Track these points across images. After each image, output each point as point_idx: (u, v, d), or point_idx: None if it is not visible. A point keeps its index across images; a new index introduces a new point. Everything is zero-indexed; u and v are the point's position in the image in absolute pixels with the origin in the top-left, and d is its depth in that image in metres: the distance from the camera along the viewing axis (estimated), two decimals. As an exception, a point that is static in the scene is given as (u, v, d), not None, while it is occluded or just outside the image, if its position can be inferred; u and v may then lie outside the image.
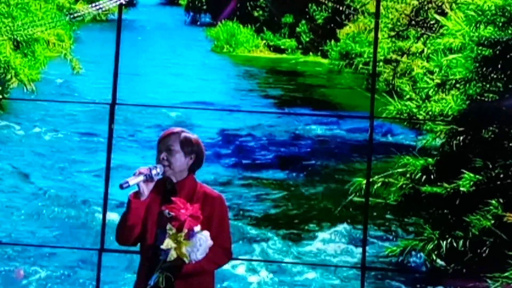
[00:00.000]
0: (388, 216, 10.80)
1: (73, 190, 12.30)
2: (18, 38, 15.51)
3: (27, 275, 8.91)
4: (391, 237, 10.39)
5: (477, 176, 8.41)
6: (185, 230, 4.01)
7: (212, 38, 30.72)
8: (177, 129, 4.34)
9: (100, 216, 10.43)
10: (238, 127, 16.94)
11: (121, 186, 4.12)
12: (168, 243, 4.02)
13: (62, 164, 13.88)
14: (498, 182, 8.36)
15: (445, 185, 8.60)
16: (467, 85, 8.98)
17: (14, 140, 15.15)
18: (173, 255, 4.02)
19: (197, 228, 4.04)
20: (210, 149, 14.24)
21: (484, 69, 8.82)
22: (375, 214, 10.55)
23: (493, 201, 8.22)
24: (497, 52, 8.75)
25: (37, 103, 17.14)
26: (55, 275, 9.07)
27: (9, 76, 15.13)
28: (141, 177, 4.16)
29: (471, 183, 8.38)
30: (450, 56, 9.38)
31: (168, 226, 4.02)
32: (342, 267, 9.69)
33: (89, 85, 19.67)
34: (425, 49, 15.44)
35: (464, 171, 8.50)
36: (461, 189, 8.40)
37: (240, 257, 9.21)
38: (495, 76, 8.82)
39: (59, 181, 12.94)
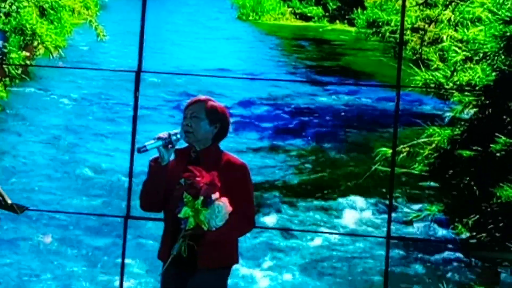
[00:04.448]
0: (413, 186, 10.75)
1: (98, 157, 12.37)
2: (44, 5, 15.52)
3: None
4: (416, 208, 10.35)
5: (510, 140, 8.34)
6: (201, 198, 4.01)
7: (238, 6, 30.57)
8: (204, 97, 4.34)
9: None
10: (262, 95, 16.89)
11: (138, 150, 4.13)
12: (185, 211, 4.02)
13: (86, 130, 13.94)
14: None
15: (477, 147, 8.56)
16: (495, 58, 8.89)
17: (40, 107, 15.22)
18: (191, 223, 4.03)
19: (215, 195, 4.04)
20: (234, 117, 14.23)
21: (509, 47, 8.73)
22: (400, 183, 10.51)
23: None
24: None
25: (62, 70, 17.19)
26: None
27: (35, 43, 15.17)
28: (160, 142, 4.15)
29: (504, 146, 8.32)
30: (476, 29, 9.29)
31: (184, 194, 4.03)
32: (367, 236, 9.68)
33: (114, 53, 19.67)
34: (453, 17, 15.26)
35: (499, 135, 8.43)
36: (492, 149, 8.32)
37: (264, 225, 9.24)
38: None
39: (85, 148, 13.01)
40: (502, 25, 8.78)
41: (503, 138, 8.37)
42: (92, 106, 15.65)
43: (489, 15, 9.06)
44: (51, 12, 15.65)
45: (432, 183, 9.54)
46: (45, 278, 8.19)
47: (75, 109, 15.40)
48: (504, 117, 8.68)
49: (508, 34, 8.71)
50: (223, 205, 4.05)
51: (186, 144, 4.29)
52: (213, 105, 4.29)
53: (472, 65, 9.35)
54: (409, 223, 9.36)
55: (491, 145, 8.38)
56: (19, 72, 15.02)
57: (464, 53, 9.29)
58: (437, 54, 10.80)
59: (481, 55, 8.99)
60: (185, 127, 4.23)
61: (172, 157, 4.24)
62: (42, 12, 15.66)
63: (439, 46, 14.05)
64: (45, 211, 9.58)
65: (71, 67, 17.43)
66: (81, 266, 8.48)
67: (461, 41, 10.04)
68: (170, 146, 4.17)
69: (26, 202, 6.77)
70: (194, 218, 4.01)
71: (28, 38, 14.89)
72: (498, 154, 8.29)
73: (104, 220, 9.19)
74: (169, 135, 4.17)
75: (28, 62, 15.05)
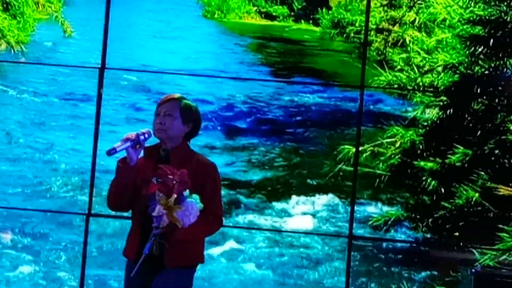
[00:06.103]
0: (376, 186, 10.81)
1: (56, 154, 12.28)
2: (7, 0, 15.34)
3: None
4: (378, 208, 10.42)
5: (468, 151, 8.41)
6: (174, 196, 4.02)
7: (203, 3, 30.50)
8: (178, 95, 4.34)
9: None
10: (226, 94, 16.89)
11: (108, 153, 4.10)
12: (159, 210, 4.03)
13: (47, 127, 13.83)
14: (488, 154, 8.36)
15: (437, 159, 8.61)
16: (457, 70, 8.97)
17: (1, 102, 15.07)
18: (165, 220, 4.04)
19: (186, 192, 4.06)
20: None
21: (473, 48, 8.79)
22: (363, 183, 10.56)
23: (482, 172, 8.22)
24: (488, 30, 8.70)
25: (25, 66, 17.03)
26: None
27: (-3, 38, 14.99)
28: (129, 143, 4.14)
29: (463, 157, 8.39)
30: (442, 35, 9.34)
31: (157, 192, 4.03)
32: (329, 235, 9.72)
33: (79, 49, 19.53)
34: (417, 18, 15.37)
35: (457, 145, 8.49)
36: (451, 162, 8.39)
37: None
38: (484, 56, 8.78)
39: (44, 144, 12.90)
40: (467, 26, 8.84)
41: (461, 148, 8.44)
42: (55, 102, 15.52)
43: (454, 16, 9.11)
44: (15, 6, 15.47)
45: (395, 183, 9.59)
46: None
47: (37, 104, 15.26)
48: (466, 115, 8.75)
49: (471, 34, 8.76)
50: (195, 202, 4.07)
51: (156, 141, 4.28)
52: (187, 104, 4.29)
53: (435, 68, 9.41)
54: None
55: (450, 157, 8.45)
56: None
57: (427, 65, 9.34)
58: (400, 56, 10.87)
59: (442, 66, 9.06)
60: (158, 125, 4.23)
61: (140, 155, 4.23)
62: (6, 7, 15.48)
63: (400, 49, 14.16)
64: (7, 208, 9.49)
65: (34, 63, 17.27)
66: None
67: (422, 48, 10.10)
68: (138, 146, 4.16)
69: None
70: (168, 216, 4.01)
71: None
72: (457, 164, 8.35)
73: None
74: (137, 135, 4.16)
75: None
